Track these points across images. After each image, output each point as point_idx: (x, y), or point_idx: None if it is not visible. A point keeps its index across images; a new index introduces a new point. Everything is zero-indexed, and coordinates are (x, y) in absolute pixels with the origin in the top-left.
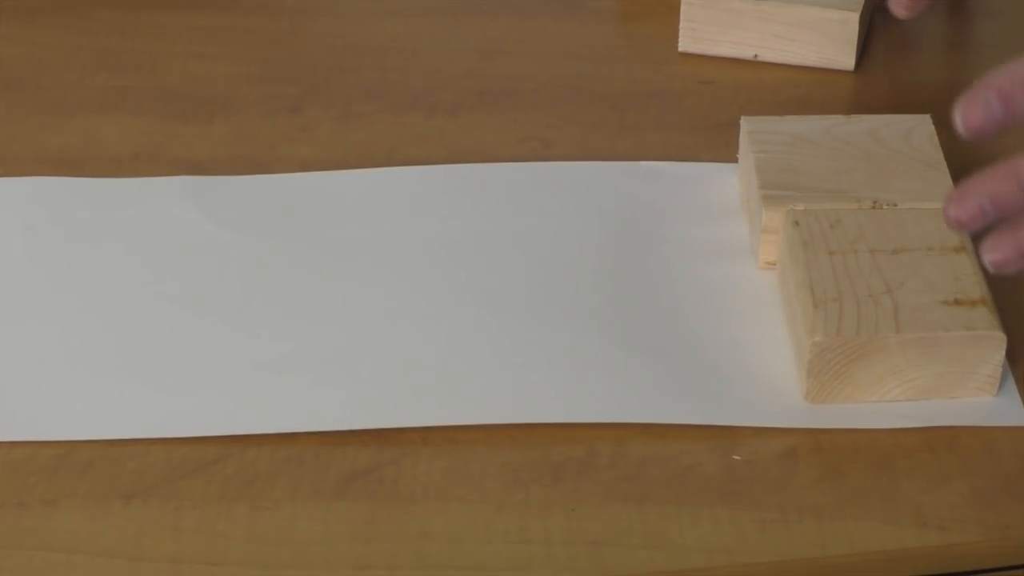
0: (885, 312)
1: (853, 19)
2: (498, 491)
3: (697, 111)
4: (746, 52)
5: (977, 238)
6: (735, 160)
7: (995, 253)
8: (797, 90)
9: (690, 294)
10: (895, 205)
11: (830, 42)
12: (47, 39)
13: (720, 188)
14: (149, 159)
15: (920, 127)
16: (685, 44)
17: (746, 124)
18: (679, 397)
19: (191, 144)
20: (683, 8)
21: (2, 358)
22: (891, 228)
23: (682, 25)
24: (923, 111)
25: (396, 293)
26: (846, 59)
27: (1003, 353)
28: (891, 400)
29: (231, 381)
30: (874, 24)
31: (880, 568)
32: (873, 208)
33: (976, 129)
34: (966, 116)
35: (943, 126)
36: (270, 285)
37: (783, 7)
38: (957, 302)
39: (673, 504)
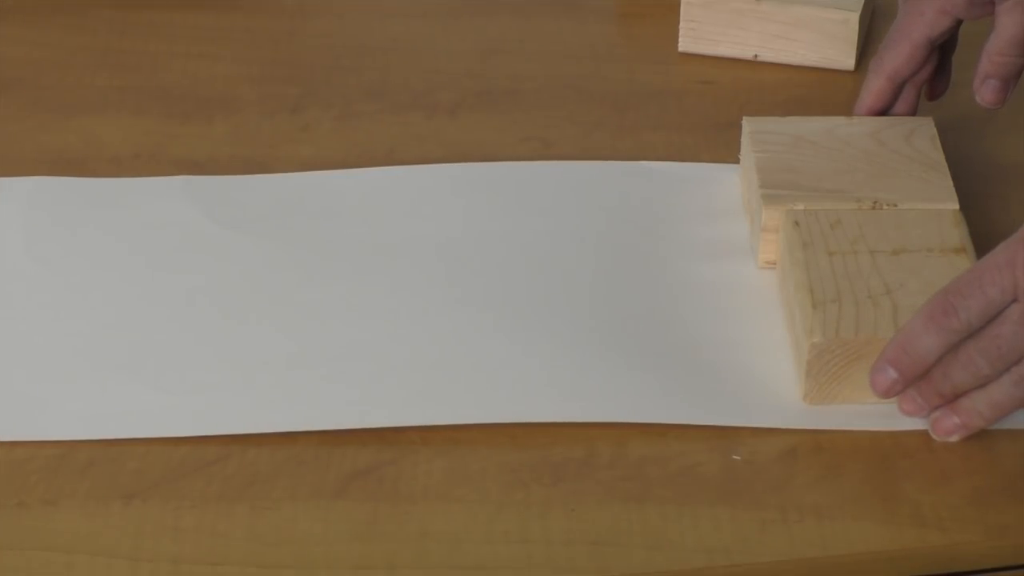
0: (884, 313)
1: (853, 19)
2: (498, 491)
3: (697, 111)
4: (746, 52)
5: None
6: (736, 160)
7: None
8: (797, 90)
9: (690, 294)
10: (895, 205)
11: (830, 42)
12: (47, 39)
13: (720, 188)
14: (149, 159)
15: (922, 129)
16: (685, 44)
17: (748, 124)
18: (679, 397)
19: (191, 144)
20: (683, 8)
21: (2, 358)
22: (891, 229)
23: (682, 25)
24: (924, 112)
25: (396, 293)
26: (846, 59)
27: None
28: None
29: (231, 381)
30: (874, 24)
31: (880, 568)
32: (873, 208)
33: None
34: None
35: (944, 127)
36: (269, 285)
37: (783, 7)
38: None
39: (673, 504)
